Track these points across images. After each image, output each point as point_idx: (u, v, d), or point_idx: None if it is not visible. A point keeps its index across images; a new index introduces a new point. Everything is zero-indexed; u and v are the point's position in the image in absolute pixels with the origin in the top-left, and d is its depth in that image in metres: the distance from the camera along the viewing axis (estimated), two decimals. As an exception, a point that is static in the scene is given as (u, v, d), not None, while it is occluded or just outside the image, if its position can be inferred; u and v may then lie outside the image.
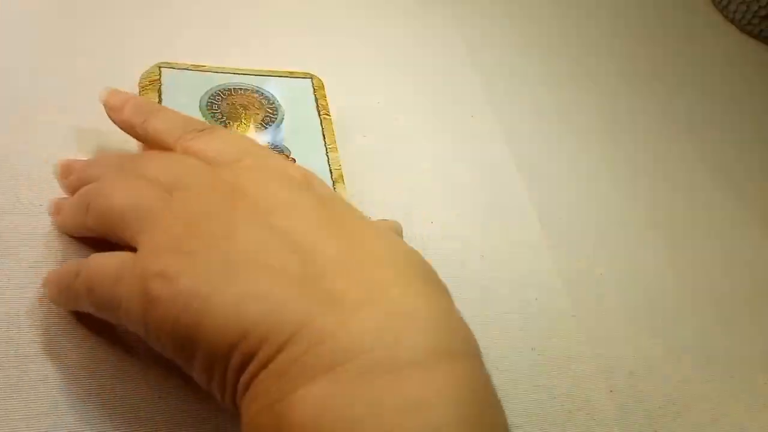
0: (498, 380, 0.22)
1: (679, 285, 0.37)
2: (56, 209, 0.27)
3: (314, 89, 0.35)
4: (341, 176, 0.31)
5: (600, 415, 0.30)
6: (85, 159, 0.29)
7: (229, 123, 0.31)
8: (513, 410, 0.29)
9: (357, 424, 0.17)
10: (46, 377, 0.24)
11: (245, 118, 0.32)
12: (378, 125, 0.39)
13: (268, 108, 0.33)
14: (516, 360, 0.31)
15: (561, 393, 0.30)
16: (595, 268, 0.37)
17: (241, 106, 0.32)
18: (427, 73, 0.45)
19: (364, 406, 0.17)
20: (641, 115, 0.49)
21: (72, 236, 0.27)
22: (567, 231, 0.38)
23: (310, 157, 0.31)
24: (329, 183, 0.30)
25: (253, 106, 0.32)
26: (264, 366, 0.18)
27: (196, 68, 0.33)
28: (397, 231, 0.28)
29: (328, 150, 0.32)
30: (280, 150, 0.31)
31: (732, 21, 0.62)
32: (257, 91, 0.33)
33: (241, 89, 0.33)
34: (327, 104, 0.34)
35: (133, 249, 0.22)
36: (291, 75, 0.35)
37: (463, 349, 0.19)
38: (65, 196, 0.27)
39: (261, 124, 0.32)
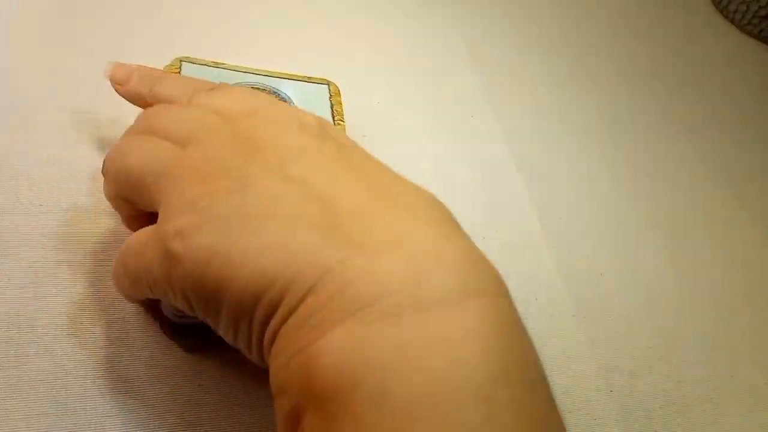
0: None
1: (679, 285, 0.37)
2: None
3: (330, 95, 0.35)
4: None
5: (600, 415, 0.30)
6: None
7: None
8: (513, 410, 0.29)
9: (385, 365, 0.17)
10: (46, 377, 0.24)
11: None
12: (378, 125, 0.39)
13: None
14: (516, 360, 0.30)
15: (561, 393, 0.30)
16: (595, 268, 0.37)
17: None
18: (427, 73, 0.45)
19: (391, 347, 0.17)
20: (641, 115, 0.49)
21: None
22: (567, 231, 0.38)
23: None
24: None
25: None
26: (289, 316, 0.18)
27: (216, 65, 0.33)
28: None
29: None
30: None
31: (732, 21, 0.62)
32: (274, 92, 0.33)
33: (258, 88, 0.33)
34: (342, 111, 0.34)
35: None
36: (308, 80, 0.35)
37: (489, 287, 0.19)
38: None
39: None
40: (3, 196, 0.28)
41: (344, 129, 0.33)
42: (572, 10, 0.58)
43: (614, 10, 0.60)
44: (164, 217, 0.21)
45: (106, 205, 0.25)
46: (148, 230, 0.22)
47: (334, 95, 0.35)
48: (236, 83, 0.32)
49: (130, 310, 0.26)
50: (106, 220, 0.29)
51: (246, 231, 0.19)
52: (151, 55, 0.33)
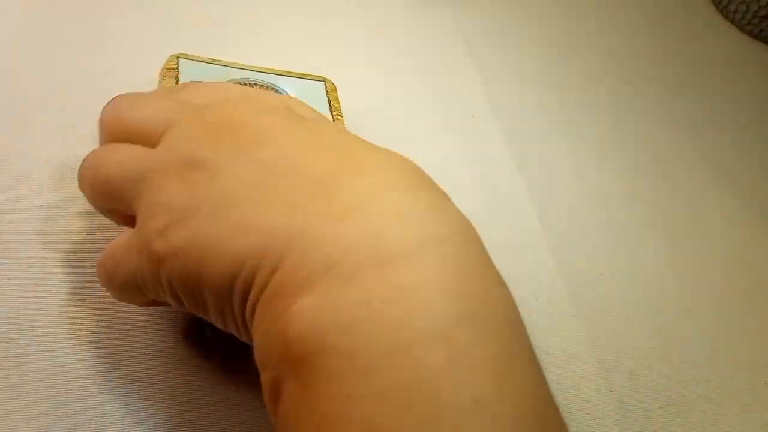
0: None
1: (679, 285, 0.37)
2: None
3: (327, 91, 0.35)
4: None
5: (600, 415, 0.30)
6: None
7: None
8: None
9: (349, 323, 0.17)
10: (46, 377, 0.24)
11: None
12: (378, 125, 0.39)
13: None
14: (516, 360, 0.30)
15: (561, 393, 0.30)
16: (595, 268, 0.37)
17: None
18: (427, 73, 0.45)
19: (353, 305, 0.17)
20: (641, 115, 0.49)
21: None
22: (567, 231, 0.38)
23: None
24: None
25: None
26: (262, 291, 0.19)
27: (213, 62, 0.33)
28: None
29: None
30: None
31: (732, 21, 0.62)
32: (272, 88, 0.33)
33: (257, 84, 0.33)
34: (340, 106, 0.34)
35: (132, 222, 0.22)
36: (304, 76, 0.35)
37: (451, 235, 0.19)
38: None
39: None
40: (3, 196, 0.28)
41: (343, 123, 0.33)
42: (572, 10, 0.58)
43: (614, 10, 0.60)
44: (144, 219, 0.21)
45: (106, 205, 0.25)
46: (128, 236, 0.22)
47: (331, 91, 0.35)
48: (234, 79, 0.32)
49: (130, 311, 0.26)
50: (106, 219, 0.29)
51: (218, 219, 0.19)
52: (151, 55, 0.33)
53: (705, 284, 0.38)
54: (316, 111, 0.26)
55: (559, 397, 0.30)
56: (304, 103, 0.25)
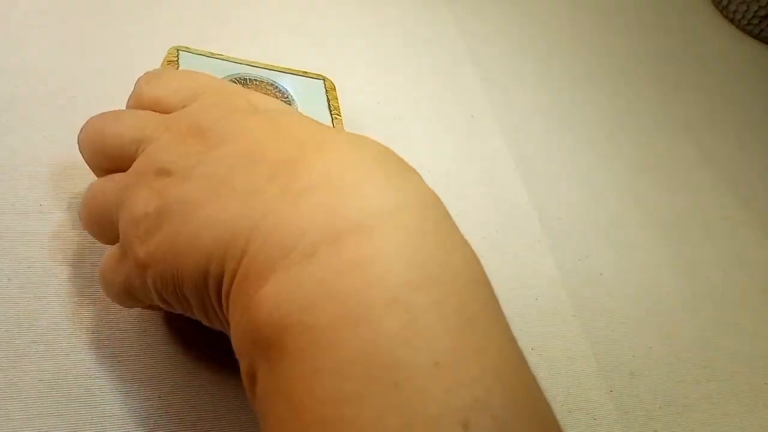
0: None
1: (679, 285, 0.37)
2: None
3: (326, 90, 0.35)
4: None
5: (600, 415, 0.30)
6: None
7: None
8: (513, 410, 0.29)
9: (308, 302, 0.17)
10: (46, 377, 0.24)
11: None
12: (378, 125, 0.39)
13: (283, 101, 0.33)
14: (516, 360, 0.30)
15: (561, 393, 0.30)
16: (595, 268, 0.37)
17: None
18: (427, 73, 0.45)
19: (311, 284, 0.17)
20: (641, 115, 0.49)
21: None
22: (567, 231, 0.38)
23: None
24: None
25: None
26: (233, 280, 0.19)
27: (213, 56, 0.33)
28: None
29: None
30: None
31: (732, 21, 0.62)
32: (272, 84, 0.33)
33: (256, 80, 0.33)
34: (338, 105, 0.34)
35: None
36: (304, 74, 0.35)
37: (407, 202, 0.19)
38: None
39: None
40: (3, 196, 0.28)
41: (342, 124, 0.33)
42: (572, 10, 0.58)
43: (614, 10, 0.60)
44: (125, 230, 0.21)
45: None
46: (117, 247, 0.23)
47: (330, 90, 0.35)
48: (234, 74, 0.32)
49: (130, 311, 0.26)
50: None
51: (189, 219, 0.20)
52: (151, 54, 0.33)
53: (705, 284, 0.38)
54: (282, 103, 0.26)
55: (559, 397, 0.30)
56: (268, 98, 0.26)
